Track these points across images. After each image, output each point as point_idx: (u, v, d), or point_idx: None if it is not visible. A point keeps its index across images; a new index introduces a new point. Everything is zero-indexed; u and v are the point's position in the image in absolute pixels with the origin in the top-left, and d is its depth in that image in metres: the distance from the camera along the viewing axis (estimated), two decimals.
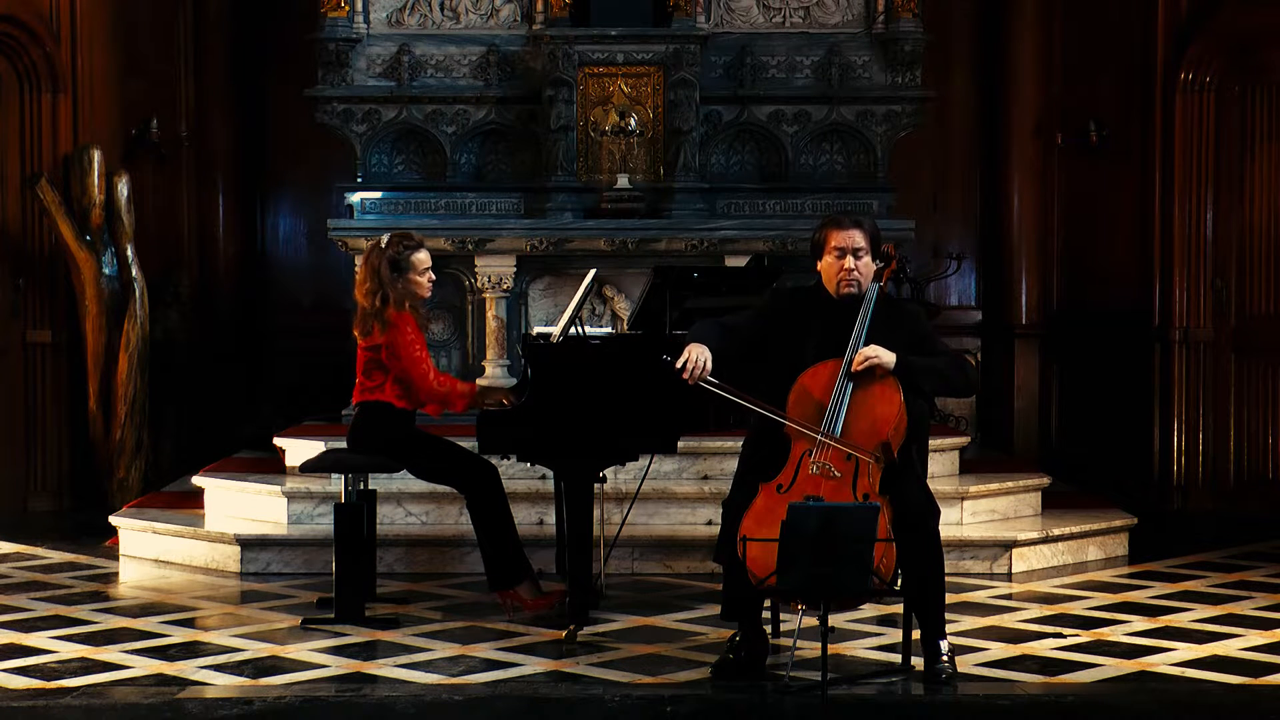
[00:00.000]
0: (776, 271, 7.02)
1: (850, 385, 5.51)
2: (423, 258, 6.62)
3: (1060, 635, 6.28)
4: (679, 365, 5.56)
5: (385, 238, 6.73)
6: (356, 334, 6.62)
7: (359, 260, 6.82)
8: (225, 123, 10.79)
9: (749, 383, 5.62)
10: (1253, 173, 9.61)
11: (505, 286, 9.09)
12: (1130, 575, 7.59)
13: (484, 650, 6.05)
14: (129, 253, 9.33)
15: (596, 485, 6.35)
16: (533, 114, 9.38)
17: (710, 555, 6.49)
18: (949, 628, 5.80)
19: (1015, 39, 10.61)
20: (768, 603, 5.91)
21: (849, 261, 5.64)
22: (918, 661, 5.64)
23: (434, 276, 6.70)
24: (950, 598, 6.13)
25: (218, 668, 5.78)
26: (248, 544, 7.63)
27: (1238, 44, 9.58)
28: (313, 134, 10.01)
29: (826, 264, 5.71)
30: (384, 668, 5.79)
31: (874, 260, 5.71)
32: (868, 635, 6.27)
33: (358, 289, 6.65)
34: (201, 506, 8.29)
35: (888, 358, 5.51)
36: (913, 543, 5.44)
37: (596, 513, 6.61)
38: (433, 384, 6.53)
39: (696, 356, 5.55)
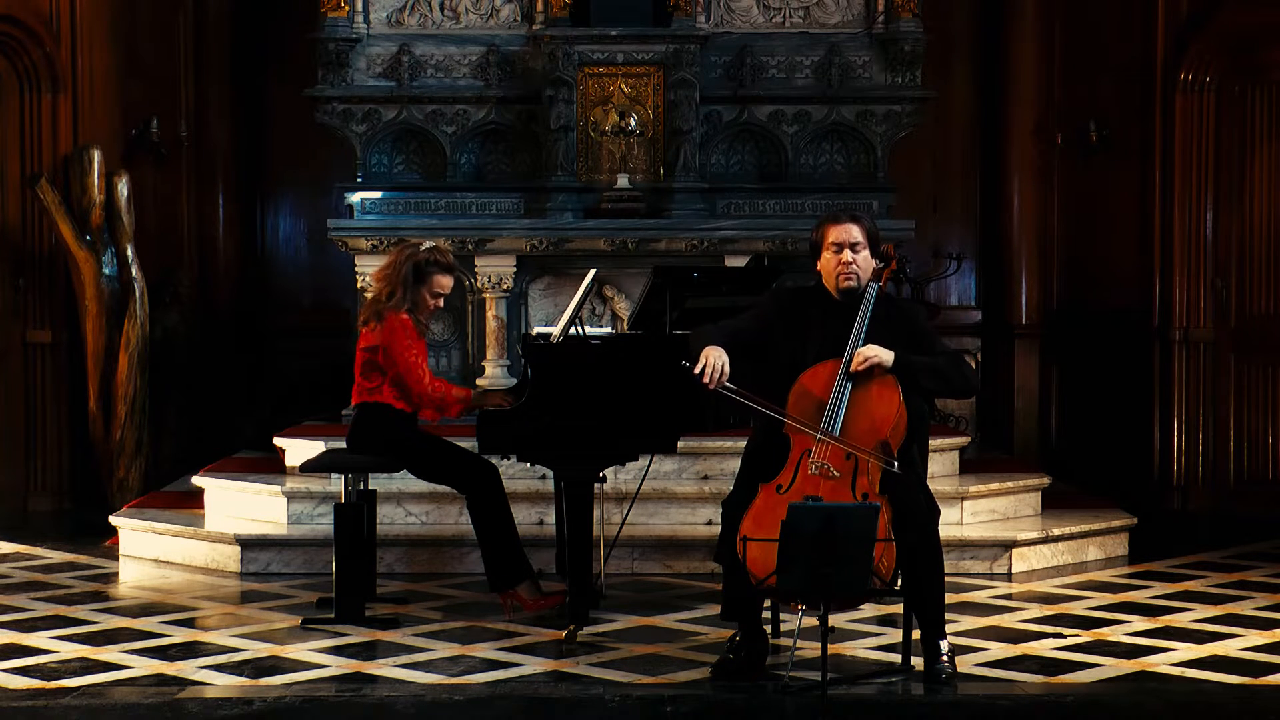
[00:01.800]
0: (776, 271, 7.02)
1: (849, 385, 5.51)
2: (445, 282, 6.66)
3: (1060, 635, 6.28)
4: (698, 371, 5.53)
5: (428, 243, 6.78)
6: (359, 322, 6.64)
7: (391, 252, 6.88)
8: (225, 123, 10.79)
9: (749, 383, 5.62)
10: (1253, 173, 9.60)
11: (505, 286, 9.09)
12: (1130, 575, 7.59)
13: (484, 650, 6.05)
14: (129, 253, 9.32)
15: (596, 485, 6.35)
16: (533, 114, 9.38)
17: (710, 555, 6.50)
18: (949, 628, 5.80)
19: (1015, 39, 10.60)
20: (768, 603, 5.91)
21: (846, 255, 5.64)
22: (918, 661, 5.64)
23: (443, 304, 6.76)
24: (950, 598, 6.13)
25: (218, 668, 5.79)
26: (248, 544, 7.63)
27: (1238, 44, 9.58)
28: (313, 134, 10.01)
29: (825, 260, 5.71)
30: (384, 668, 5.79)
31: (873, 258, 5.71)
32: (868, 635, 6.27)
33: (377, 273, 6.68)
34: (201, 506, 8.29)
35: (886, 356, 5.51)
36: (912, 543, 5.44)
37: (596, 513, 6.62)
38: (427, 389, 6.53)
39: (715, 361, 5.52)
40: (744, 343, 5.71)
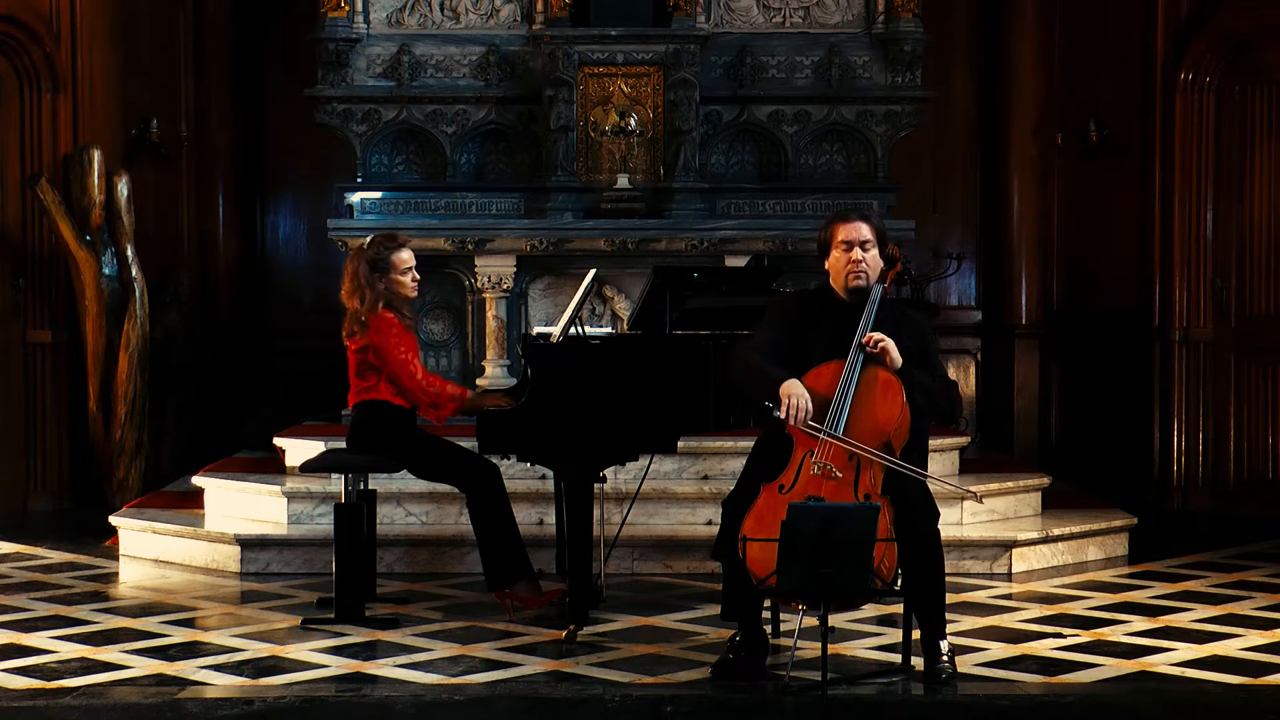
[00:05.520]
0: (776, 271, 7.01)
1: (854, 385, 5.50)
2: (404, 257, 6.60)
3: (1060, 635, 6.28)
4: (782, 415, 5.42)
5: (368, 239, 6.75)
6: (344, 336, 6.60)
7: None
8: (225, 123, 10.79)
9: None
10: (1253, 173, 9.60)
11: (505, 286, 9.09)
12: (1130, 575, 7.59)
13: (484, 650, 6.05)
14: (129, 253, 9.33)
15: (596, 485, 6.35)
16: (533, 114, 9.38)
17: (710, 555, 6.49)
18: (949, 628, 5.80)
19: (1015, 39, 10.60)
20: (768, 603, 5.91)
21: (856, 253, 5.63)
22: (918, 661, 5.64)
23: (418, 276, 6.67)
24: (950, 598, 6.13)
25: (218, 668, 5.79)
26: (248, 544, 7.63)
27: (1238, 44, 9.58)
28: (313, 134, 10.00)
29: (834, 259, 5.69)
30: (384, 668, 5.79)
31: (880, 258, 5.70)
32: (868, 635, 6.27)
33: (343, 291, 6.62)
34: (201, 506, 8.29)
35: (896, 356, 5.49)
36: (913, 543, 5.44)
37: (596, 513, 6.62)
38: (421, 383, 6.52)
39: (798, 401, 5.43)
40: (778, 355, 5.64)
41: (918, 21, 9.44)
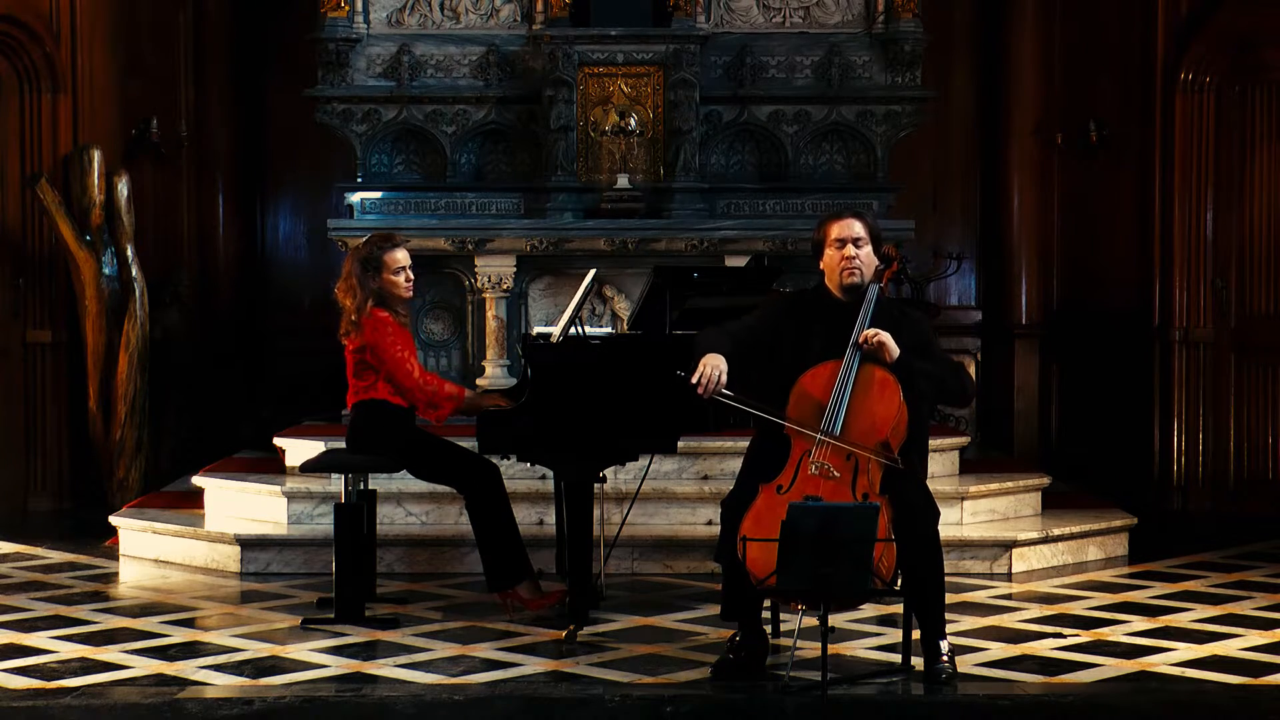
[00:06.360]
0: (776, 271, 7.02)
1: (851, 384, 5.50)
2: (397, 257, 6.57)
3: (1060, 635, 6.28)
4: (694, 380, 5.51)
5: (364, 238, 6.74)
6: (340, 336, 6.59)
7: None
8: (225, 123, 10.79)
9: (754, 384, 5.61)
10: (1253, 173, 9.60)
11: (505, 286, 9.09)
12: (1130, 575, 7.59)
13: (484, 650, 6.05)
14: (129, 253, 9.33)
15: (596, 485, 6.35)
16: (533, 114, 9.38)
17: (710, 555, 6.50)
18: (949, 628, 5.80)
19: (1015, 39, 10.61)
20: (768, 603, 5.91)
21: (849, 250, 5.64)
22: (918, 661, 5.64)
23: (412, 276, 6.64)
24: (950, 598, 6.13)
25: (218, 668, 5.79)
26: (248, 544, 7.63)
27: (1238, 44, 9.58)
28: (313, 134, 10.01)
29: (828, 257, 5.70)
30: (384, 668, 5.79)
31: (874, 257, 5.70)
32: (868, 635, 6.27)
33: (338, 290, 6.62)
34: (201, 506, 8.29)
35: (893, 348, 5.49)
36: (912, 543, 5.44)
37: (596, 513, 6.62)
38: (418, 381, 6.50)
39: (711, 371, 5.50)
40: (749, 345, 5.68)
41: (917, 21, 9.44)
